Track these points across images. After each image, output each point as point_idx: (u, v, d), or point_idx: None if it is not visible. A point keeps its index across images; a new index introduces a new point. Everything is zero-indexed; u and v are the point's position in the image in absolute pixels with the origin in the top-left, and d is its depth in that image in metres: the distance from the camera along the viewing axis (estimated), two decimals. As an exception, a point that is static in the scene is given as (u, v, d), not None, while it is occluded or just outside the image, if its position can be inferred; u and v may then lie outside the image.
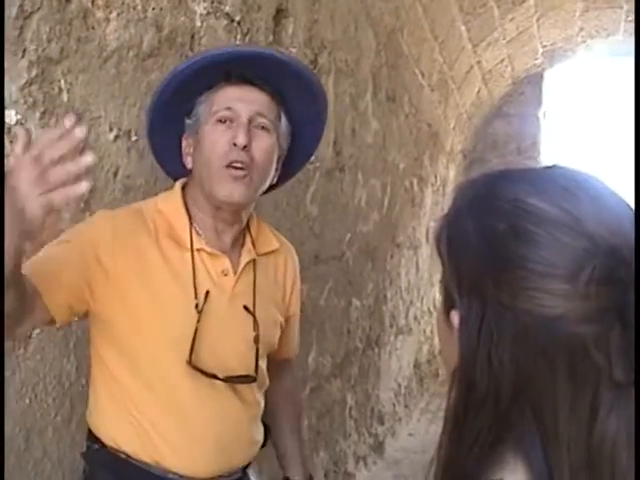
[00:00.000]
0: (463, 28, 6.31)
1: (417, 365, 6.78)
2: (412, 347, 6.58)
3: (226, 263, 1.81)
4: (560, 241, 0.82)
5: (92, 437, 1.78)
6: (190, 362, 1.70)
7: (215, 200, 1.76)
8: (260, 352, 1.83)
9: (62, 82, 1.96)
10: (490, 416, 0.85)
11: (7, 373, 1.85)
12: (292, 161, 1.94)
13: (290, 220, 3.57)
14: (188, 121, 1.82)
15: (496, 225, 0.85)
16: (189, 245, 1.76)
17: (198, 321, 1.72)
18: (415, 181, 6.36)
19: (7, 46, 1.78)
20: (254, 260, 1.87)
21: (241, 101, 1.76)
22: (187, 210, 1.80)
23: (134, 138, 2.23)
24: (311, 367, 4.03)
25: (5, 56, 1.77)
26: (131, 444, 1.72)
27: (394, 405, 5.92)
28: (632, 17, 6.94)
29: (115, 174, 2.18)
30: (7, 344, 1.83)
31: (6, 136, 1.80)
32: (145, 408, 1.72)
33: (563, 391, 0.82)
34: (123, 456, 1.72)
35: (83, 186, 1.22)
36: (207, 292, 1.75)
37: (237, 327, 1.80)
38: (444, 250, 0.92)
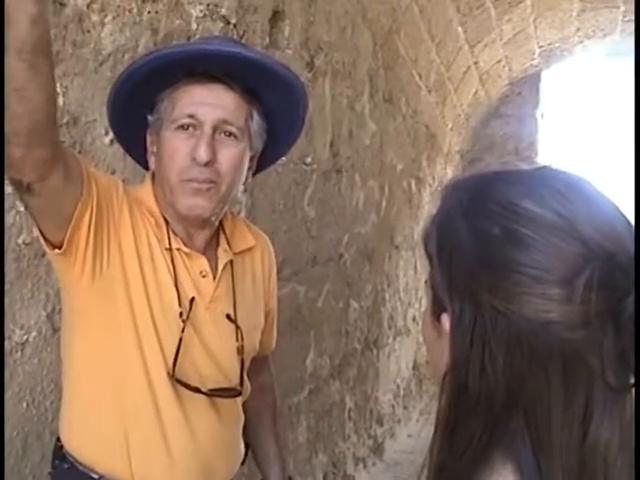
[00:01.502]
0: (460, 29, 6.31)
1: (416, 366, 6.78)
2: (411, 348, 6.57)
3: (204, 263, 1.70)
4: (555, 246, 0.81)
5: (61, 454, 1.67)
6: (173, 375, 1.60)
7: (177, 212, 1.65)
8: (245, 363, 1.75)
9: (58, 85, 1.95)
10: (482, 421, 0.85)
11: (5, 377, 1.85)
12: (269, 154, 1.82)
13: (287, 222, 3.57)
14: (150, 118, 1.67)
15: (490, 229, 0.85)
16: (167, 244, 1.65)
17: (183, 330, 1.62)
18: (413, 182, 6.36)
19: (2, 50, 1.78)
20: (231, 261, 1.76)
21: (205, 105, 1.61)
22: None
23: None
24: (309, 369, 4.02)
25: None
26: (107, 460, 1.62)
27: (393, 406, 5.92)
28: (629, 17, 6.95)
29: (111, 177, 2.18)
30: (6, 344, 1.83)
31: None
32: (125, 421, 1.62)
33: (556, 395, 0.82)
34: (96, 476, 1.61)
35: None
36: (192, 298, 1.65)
37: (220, 336, 1.71)
38: (434, 252, 0.91)
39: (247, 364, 1.79)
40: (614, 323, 0.80)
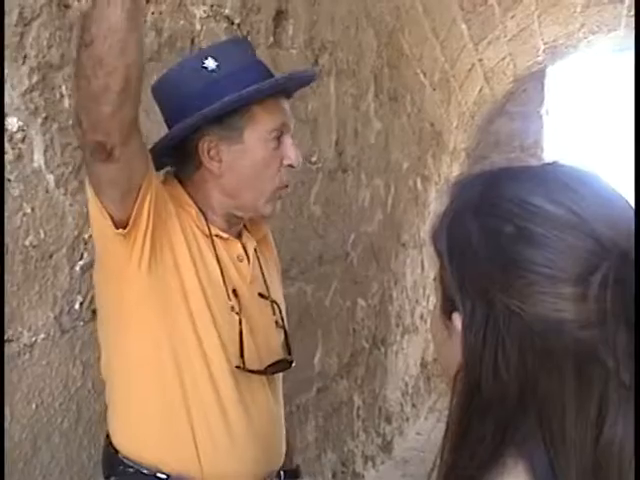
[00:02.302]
0: (464, 26, 6.30)
1: (424, 364, 6.77)
2: (419, 346, 6.56)
3: (240, 248, 1.81)
4: (568, 244, 0.80)
5: (118, 459, 1.71)
6: (244, 367, 1.69)
7: (253, 212, 1.79)
8: (287, 333, 1.87)
9: (63, 88, 1.96)
10: (494, 421, 0.84)
11: (14, 379, 1.85)
12: None
13: (294, 221, 3.57)
14: (220, 128, 1.70)
15: (502, 227, 0.84)
16: (208, 231, 1.74)
17: (240, 323, 1.71)
18: (419, 180, 6.35)
19: (7, 53, 1.78)
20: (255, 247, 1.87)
21: (285, 115, 1.76)
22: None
23: None
24: (317, 368, 4.02)
25: (6, 63, 1.77)
26: (174, 458, 1.67)
27: (401, 404, 5.91)
28: (633, 12, 6.93)
29: (118, 179, 2.17)
30: (9, 346, 1.83)
31: (8, 143, 1.80)
32: (190, 416, 1.67)
33: (570, 395, 0.81)
34: (164, 476, 1.67)
35: None
36: (234, 290, 1.73)
37: (262, 315, 1.82)
38: (444, 250, 0.90)
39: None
40: (627, 320, 0.79)
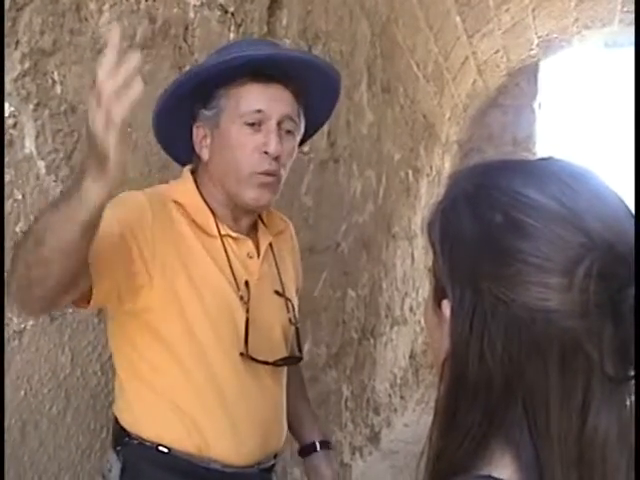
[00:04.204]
0: (458, 19, 6.30)
1: (413, 356, 6.79)
2: (408, 338, 6.58)
3: (250, 246, 1.81)
4: (557, 235, 0.81)
5: (126, 433, 1.74)
6: (247, 354, 1.71)
7: (239, 202, 1.75)
8: (299, 331, 1.91)
9: (55, 74, 1.95)
10: (481, 409, 0.84)
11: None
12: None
13: (284, 211, 3.53)
14: (205, 112, 1.74)
15: (493, 216, 0.84)
16: (216, 232, 1.74)
17: (247, 311, 1.73)
18: (410, 172, 6.36)
19: (0, 38, 1.78)
20: (270, 242, 1.88)
21: (270, 101, 1.70)
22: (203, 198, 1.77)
23: (127, 130, 2.22)
24: (306, 358, 4.01)
25: (-2, 48, 1.77)
26: (174, 435, 1.70)
27: (390, 396, 5.93)
28: (627, 7, 6.94)
29: (109, 166, 2.17)
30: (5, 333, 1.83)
31: (-1, 128, 1.79)
32: (191, 398, 1.71)
33: (554, 384, 0.82)
34: (165, 450, 1.70)
35: (136, 87, 1.25)
36: (246, 282, 1.75)
37: (272, 311, 1.83)
38: (437, 239, 0.91)
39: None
40: (613, 313, 0.79)
